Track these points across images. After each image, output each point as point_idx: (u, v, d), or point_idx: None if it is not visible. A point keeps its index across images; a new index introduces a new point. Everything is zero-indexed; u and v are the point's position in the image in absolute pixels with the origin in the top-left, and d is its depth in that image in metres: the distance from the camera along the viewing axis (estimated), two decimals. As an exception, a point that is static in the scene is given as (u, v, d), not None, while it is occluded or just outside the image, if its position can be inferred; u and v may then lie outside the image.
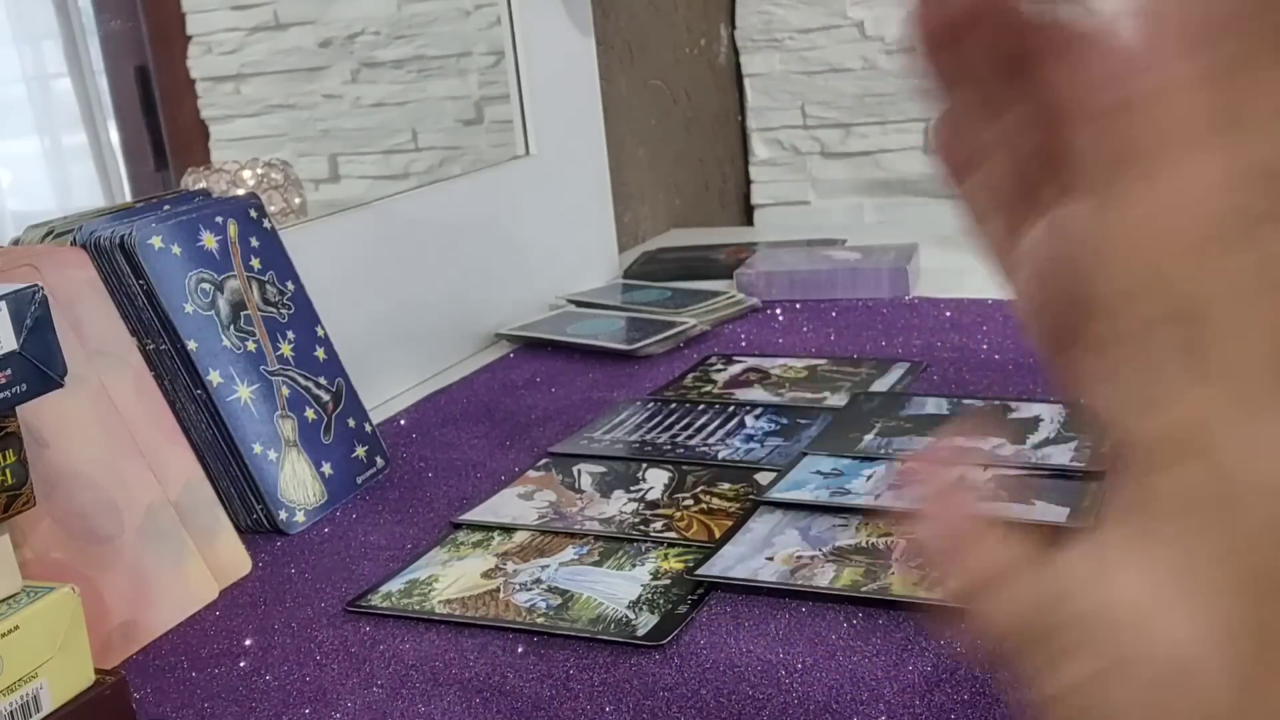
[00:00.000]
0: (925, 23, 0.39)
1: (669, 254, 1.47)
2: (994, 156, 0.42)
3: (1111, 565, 0.25)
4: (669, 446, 0.85)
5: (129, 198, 0.95)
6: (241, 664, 0.62)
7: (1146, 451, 0.23)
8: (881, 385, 0.94)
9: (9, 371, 0.52)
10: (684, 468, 0.81)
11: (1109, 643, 0.24)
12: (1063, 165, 0.40)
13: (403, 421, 0.97)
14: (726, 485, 0.78)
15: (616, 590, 0.65)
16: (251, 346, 0.80)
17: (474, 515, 0.77)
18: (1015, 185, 0.42)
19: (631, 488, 0.79)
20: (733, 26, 1.92)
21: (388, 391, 1.05)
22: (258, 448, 0.78)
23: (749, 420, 0.89)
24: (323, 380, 0.84)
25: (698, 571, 0.66)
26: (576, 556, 0.70)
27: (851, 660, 0.57)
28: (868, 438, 0.82)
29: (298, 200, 1.13)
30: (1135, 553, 0.24)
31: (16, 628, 0.52)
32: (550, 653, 0.60)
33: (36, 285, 0.54)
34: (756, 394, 0.95)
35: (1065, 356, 0.44)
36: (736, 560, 0.67)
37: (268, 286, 0.82)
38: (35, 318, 0.53)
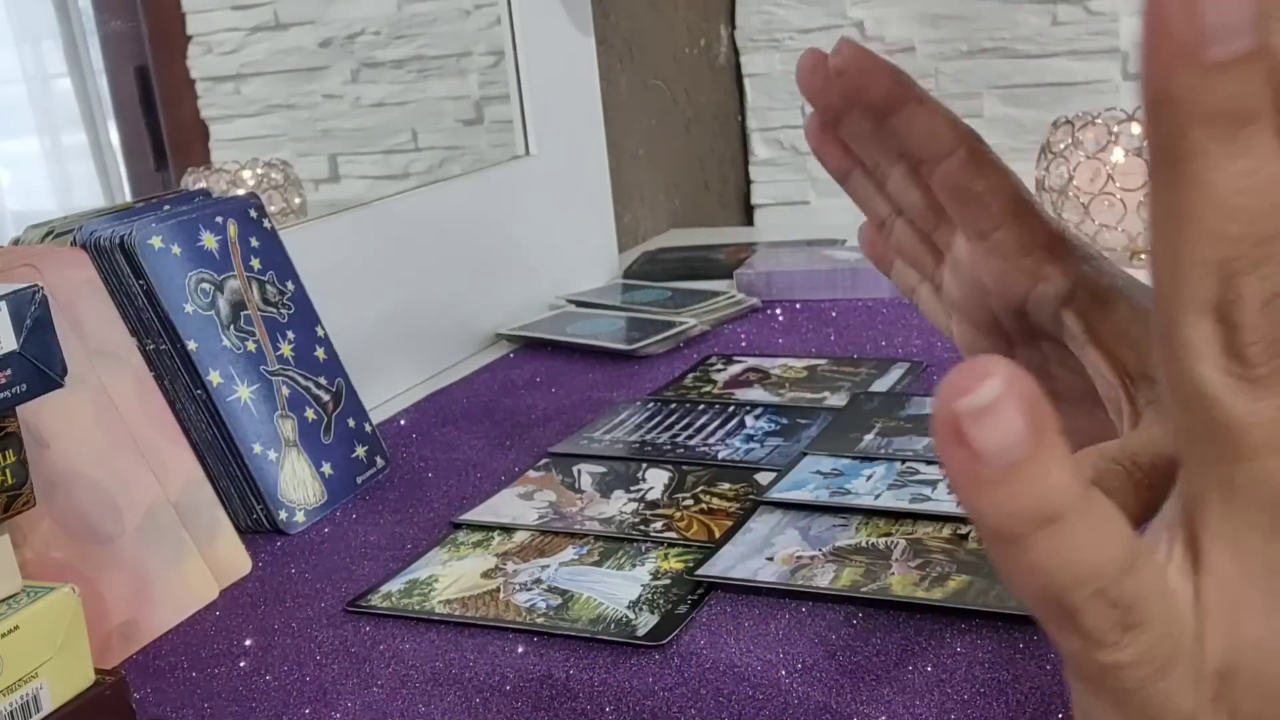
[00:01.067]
0: (809, 92, 0.43)
1: (669, 254, 1.47)
2: (895, 228, 0.47)
3: (1204, 552, 0.22)
4: (669, 446, 0.85)
5: (129, 198, 0.95)
6: (241, 664, 0.62)
7: (1239, 434, 0.21)
8: (881, 385, 0.94)
9: (9, 371, 0.52)
10: (684, 468, 0.81)
11: (1181, 633, 0.22)
12: (940, 211, 0.45)
13: (403, 421, 0.97)
14: (726, 485, 0.78)
15: (616, 590, 0.65)
16: (251, 346, 0.80)
17: (474, 515, 0.77)
18: (917, 246, 0.47)
19: (631, 488, 0.79)
20: (733, 26, 1.92)
21: (388, 391, 1.05)
22: (258, 448, 0.78)
23: (749, 420, 0.89)
24: (323, 380, 0.84)
25: (698, 571, 0.66)
26: (576, 556, 0.70)
27: (851, 660, 0.57)
28: (868, 438, 0.82)
29: (298, 200, 1.13)
30: (1226, 542, 0.22)
31: (16, 628, 0.52)
32: (550, 653, 0.60)
33: (36, 285, 0.54)
34: (756, 394, 0.95)
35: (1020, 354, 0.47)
36: (736, 560, 0.67)
37: (268, 286, 0.82)
38: (35, 318, 0.53)
